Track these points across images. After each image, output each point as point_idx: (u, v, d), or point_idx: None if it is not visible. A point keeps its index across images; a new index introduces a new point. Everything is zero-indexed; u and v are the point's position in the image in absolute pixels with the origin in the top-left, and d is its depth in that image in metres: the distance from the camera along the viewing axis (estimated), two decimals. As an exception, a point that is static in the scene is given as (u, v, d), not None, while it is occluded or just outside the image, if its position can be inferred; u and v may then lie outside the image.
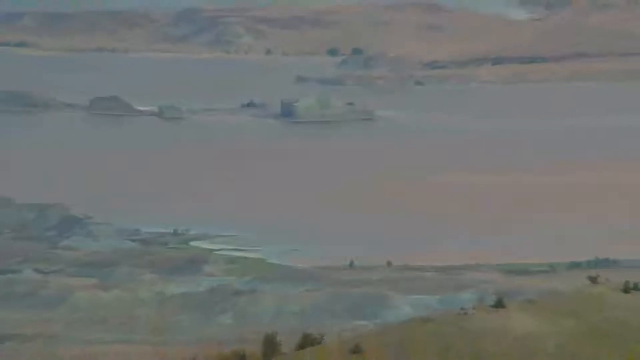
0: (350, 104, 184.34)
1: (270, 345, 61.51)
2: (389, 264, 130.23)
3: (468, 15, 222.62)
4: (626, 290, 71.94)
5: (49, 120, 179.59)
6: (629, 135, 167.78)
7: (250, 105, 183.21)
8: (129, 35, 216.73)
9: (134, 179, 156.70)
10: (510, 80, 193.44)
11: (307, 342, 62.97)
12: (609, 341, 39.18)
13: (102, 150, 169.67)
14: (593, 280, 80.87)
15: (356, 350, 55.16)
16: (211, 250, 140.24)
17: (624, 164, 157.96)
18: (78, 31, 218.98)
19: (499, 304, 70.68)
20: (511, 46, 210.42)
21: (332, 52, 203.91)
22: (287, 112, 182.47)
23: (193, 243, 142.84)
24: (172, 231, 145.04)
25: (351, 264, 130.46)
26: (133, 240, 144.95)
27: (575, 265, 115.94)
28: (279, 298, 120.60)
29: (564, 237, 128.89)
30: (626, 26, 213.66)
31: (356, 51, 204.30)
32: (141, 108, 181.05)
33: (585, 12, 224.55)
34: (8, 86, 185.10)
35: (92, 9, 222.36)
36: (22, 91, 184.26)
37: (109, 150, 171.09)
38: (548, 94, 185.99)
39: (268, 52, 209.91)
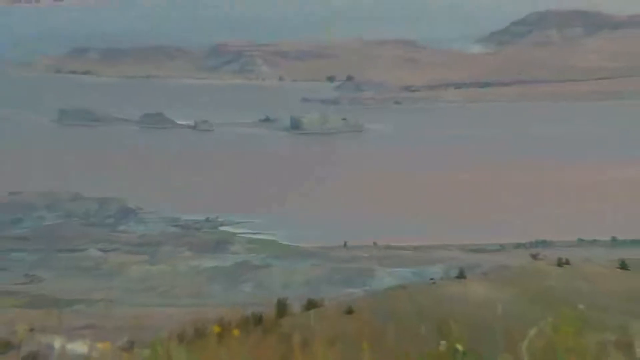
0: (345, 119, 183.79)
1: (281, 307, 61.31)
2: (374, 244, 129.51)
3: (437, 50, 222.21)
4: (559, 264, 71.79)
5: (108, 132, 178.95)
6: (561, 142, 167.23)
7: (266, 120, 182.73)
8: (171, 65, 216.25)
9: (175, 178, 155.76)
10: (469, 100, 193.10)
11: (311, 305, 62.80)
12: (545, 304, 38.97)
13: (150, 155, 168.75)
14: (534, 257, 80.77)
15: (349, 311, 54.98)
16: (235, 234, 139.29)
17: (557, 164, 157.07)
18: (131, 62, 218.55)
19: (461, 276, 70.56)
20: (470, 74, 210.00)
21: (330, 78, 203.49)
22: (295, 125, 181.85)
23: (221, 228, 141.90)
24: (204, 219, 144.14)
25: (345, 245, 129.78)
26: (174, 226, 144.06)
27: (520, 246, 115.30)
28: (288, 271, 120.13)
29: (512, 224, 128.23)
30: (560, 58, 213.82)
31: (349, 78, 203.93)
32: (181, 122, 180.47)
33: (527, 47, 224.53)
34: (76, 105, 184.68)
35: (141, 45, 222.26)
36: (87, 109, 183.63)
37: (156, 155, 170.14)
38: (498, 111, 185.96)
39: (280, 78, 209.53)
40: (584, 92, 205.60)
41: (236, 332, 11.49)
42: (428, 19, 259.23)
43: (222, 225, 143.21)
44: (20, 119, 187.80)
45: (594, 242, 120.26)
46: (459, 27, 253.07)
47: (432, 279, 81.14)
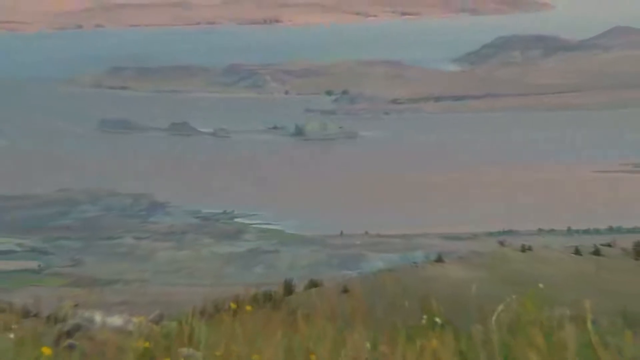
0: (341, 127, 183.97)
1: (288, 287, 61.31)
2: (366, 233, 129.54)
3: (419, 69, 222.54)
4: (523, 250, 71.93)
5: (141, 138, 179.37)
6: (523, 145, 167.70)
7: (274, 128, 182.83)
8: (193, 81, 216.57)
9: (197, 176, 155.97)
10: (446, 111, 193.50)
11: (312, 285, 62.81)
12: (511, 284, 39.06)
13: (176, 157, 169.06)
14: (501, 244, 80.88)
15: (344, 290, 54.88)
16: (248, 224, 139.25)
17: (521, 164, 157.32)
18: (160, 79, 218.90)
19: (439, 260, 70.62)
20: (447, 89, 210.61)
21: (329, 92, 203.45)
22: (298, 132, 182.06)
23: (236, 219, 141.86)
24: (222, 212, 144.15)
25: (341, 234, 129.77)
26: (196, 218, 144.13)
27: (490, 234, 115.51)
28: (293, 256, 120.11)
29: (483, 216, 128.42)
30: (522, 76, 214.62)
31: (344, 92, 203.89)
32: (202, 130, 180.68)
33: (495, 66, 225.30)
34: (114, 115, 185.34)
35: (169, 65, 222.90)
36: (123, 118, 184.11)
37: (181, 157, 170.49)
38: (470, 120, 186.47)
39: (286, 92, 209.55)
40: (541, 104, 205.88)
41: (249, 307, 11.46)
42: (411, 43, 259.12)
43: (237, 217, 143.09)
44: (67, 127, 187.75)
45: (551, 232, 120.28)
46: (437, 50, 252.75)
47: (415, 262, 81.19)
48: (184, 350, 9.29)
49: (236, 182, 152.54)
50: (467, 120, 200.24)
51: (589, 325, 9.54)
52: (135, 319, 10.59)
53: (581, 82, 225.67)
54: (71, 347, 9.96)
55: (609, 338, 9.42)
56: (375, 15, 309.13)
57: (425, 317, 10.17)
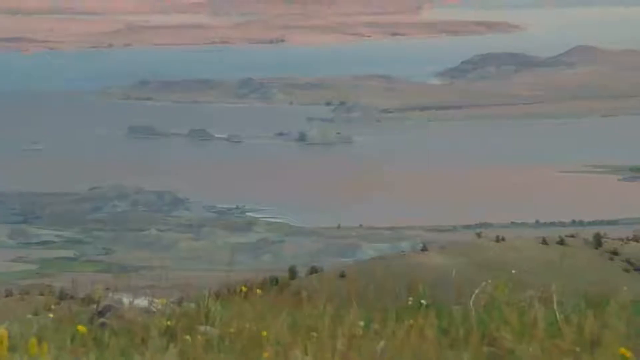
0: (338, 133, 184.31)
1: (292, 273, 61.45)
2: (360, 226, 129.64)
3: (406, 83, 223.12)
4: (497, 240, 72.03)
5: (164, 142, 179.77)
6: (498, 149, 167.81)
7: (280, 134, 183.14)
8: (209, 93, 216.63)
9: (213, 176, 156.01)
10: (430, 119, 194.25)
11: (313, 271, 62.94)
12: (487, 270, 39.07)
13: (195, 159, 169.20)
14: (478, 235, 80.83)
15: (342, 275, 54.98)
16: (257, 218, 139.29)
17: (496, 165, 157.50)
18: (181, 91, 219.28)
19: (424, 249, 70.76)
20: (430, 100, 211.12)
21: (328, 103, 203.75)
22: (301, 138, 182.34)
23: (247, 213, 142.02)
24: (235, 207, 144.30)
25: (339, 226, 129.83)
26: (212, 212, 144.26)
27: (468, 227, 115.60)
28: (297, 246, 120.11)
29: (462, 210, 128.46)
30: (496, 88, 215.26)
31: (341, 103, 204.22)
32: (218, 136, 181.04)
33: (473, 80, 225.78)
34: (141, 123, 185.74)
35: (189, 78, 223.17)
36: (149, 126, 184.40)
37: (199, 159, 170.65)
38: (451, 127, 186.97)
39: (291, 103, 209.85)
40: (513, 113, 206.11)
41: (258, 291, 11.45)
42: (400, 60, 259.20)
43: (247, 211, 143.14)
44: (99, 133, 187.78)
45: (522, 224, 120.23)
46: (422, 66, 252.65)
47: (402, 251, 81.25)
48: (202, 328, 9.29)
49: (247, 181, 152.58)
50: (448, 127, 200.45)
51: (555, 305, 9.54)
52: (158, 301, 10.58)
53: (548, 94, 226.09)
54: (103, 326, 9.96)
55: (572, 317, 9.42)
56: (369, 36, 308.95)
57: (411, 298, 10.17)
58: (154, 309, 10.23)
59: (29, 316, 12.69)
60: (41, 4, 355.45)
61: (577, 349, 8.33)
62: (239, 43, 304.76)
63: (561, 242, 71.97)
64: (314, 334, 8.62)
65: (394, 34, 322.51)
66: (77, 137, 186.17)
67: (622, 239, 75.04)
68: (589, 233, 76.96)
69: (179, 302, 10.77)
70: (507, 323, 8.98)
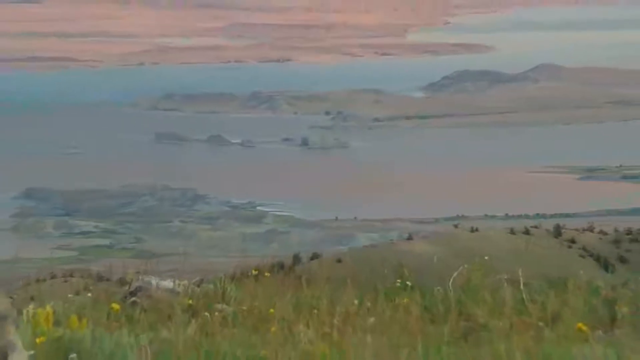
0: (336, 139, 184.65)
1: (296, 258, 61.30)
2: (355, 218, 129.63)
3: (394, 95, 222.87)
4: (472, 231, 71.99)
5: (187, 147, 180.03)
6: (473, 152, 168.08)
7: (286, 139, 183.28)
8: (226, 104, 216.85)
9: (228, 175, 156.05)
10: (415, 127, 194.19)
11: (314, 257, 62.82)
12: (463, 256, 39.09)
13: (213, 161, 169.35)
14: (455, 226, 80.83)
15: (338, 260, 54.98)
16: (267, 211, 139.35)
17: (472, 167, 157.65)
18: (201, 102, 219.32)
19: (409, 238, 70.60)
20: (415, 110, 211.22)
21: (327, 113, 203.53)
22: (304, 143, 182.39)
23: (258, 208, 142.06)
24: (247, 202, 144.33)
25: (336, 219, 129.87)
26: (228, 206, 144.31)
27: (447, 219, 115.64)
28: (300, 235, 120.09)
29: (442, 205, 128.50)
30: (472, 101, 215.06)
31: (339, 112, 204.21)
32: (233, 141, 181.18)
33: (452, 93, 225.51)
34: (166, 130, 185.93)
35: (208, 92, 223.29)
36: (173, 132, 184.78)
37: (217, 161, 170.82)
38: (433, 134, 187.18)
39: (295, 113, 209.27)
40: (487, 122, 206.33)
41: (267, 274, 11.44)
42: (389, 76, 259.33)
43: (258, 206, 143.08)
44: (130, 138, 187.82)
45: (493, 217, 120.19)
46: (408, 81, 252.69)
47: (391, 240, 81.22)
48: (219, 306, 9.29)
49: (258, 180, 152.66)
50: (431, 134, 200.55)
51: (522, 286, 9.54)
52: (181, 283, 10.58)
53: (516, 105, 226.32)
54: (134, 304, 9.95)
55: (536, 296, 9.42)
56: (362, 55, 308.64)
57: (399, 281, 10.18)
58: (177, 290, 10.23)
59: (71, 296, 12.70)
60: (82, 28, 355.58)
61: (541, 324, 8.34)
62: (251, 62, 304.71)
63: (526, 232, 71.95)
64: (315, 311, 8.62)
65: (384, 54, 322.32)
66: (112, 142, 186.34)
67: (578, 230, 75.06)
68: (550, 224, 76.99)
69: (199, 284, 10.78)
70: (481, 302, 8.98)
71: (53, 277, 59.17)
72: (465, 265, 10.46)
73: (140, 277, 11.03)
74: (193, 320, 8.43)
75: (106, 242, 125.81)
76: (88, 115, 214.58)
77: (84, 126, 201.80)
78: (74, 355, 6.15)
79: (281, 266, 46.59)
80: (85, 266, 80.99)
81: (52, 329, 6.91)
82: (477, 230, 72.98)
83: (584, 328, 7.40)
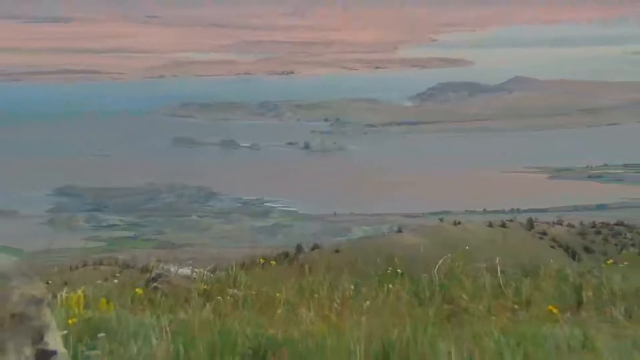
0: (334, 143, 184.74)
1: (299, 248, 61.23)
2: (351, 213, 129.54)
3: (387, 104, 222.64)
4: (455, 224, 71.95)
5: (202, 150, 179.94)
6: (454, 155, 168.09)
7: (290, 143, 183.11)
8: (236, 112, 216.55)
9: (239, 175, 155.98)
10: (405, 132, 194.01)
11: (315, 247, 62.82)
12: (447, 247, 39.03)
13: (225, 162, 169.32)
14: (440, 220, 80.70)
15: (336, 251, 55.04)
16: (273, 207, 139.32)
17: (454, 168, 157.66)
18: (215, 110, 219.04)
19: (399, 231, 70.59)
20: (405, 117, 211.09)
21: (327, 119, 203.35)
22: (306, 146, 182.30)
23: (265, 204, 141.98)
24: (256, 198, 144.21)
25: (334, 214, 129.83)
26: (238, 203, 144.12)
27: (433, 214, 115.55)
28: (303, 228, 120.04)
29: (429, 201, 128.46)
30: (454, 109, 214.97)
31: (337, 119, 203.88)
32: (242, 144, 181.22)
33: (437, 102, 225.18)
34: (183, 135, 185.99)
35: (220, 101, 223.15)
36: (189, 137, 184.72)
37: (228, 162, 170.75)
38: (421, 138, 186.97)
39: (298, 119, 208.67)
40: (467, 128, 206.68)
41: (273, 262, 11.44)
42: (382, 87, 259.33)
43: (265, 202, 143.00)
44: (151, 142, 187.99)
45: (474, 212, 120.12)
46: (399, 91, 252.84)
47: (383, 232, 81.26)
48: (230, 291, 9.28)
49: (265, 179, 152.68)
50: (419, 138, 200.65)
51: (499, 274, 9.55)
52: (197, 270, 10.57)
53: (494, 113, 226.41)
54: (155, 289, 9.95)
55: (511, 282, 9.42)
56: (357, 69, 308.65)
57: (390, 269, 10.18)
58: (194, 276, 10.23)
59: (99, 282, 12.72)
60: (108, 45, 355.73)
61: (516, 307, 8.34)
62: (259, 74, 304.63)
63: (503, 225, 72.05)
64: (316, 295, 8.62)
65: (377, 67, 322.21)
66: (135, 146, 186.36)
67: (549, 223, 75.15)
68: (523, 218, 77.07)
69: (213, 271, 10.78)
70: (462, 287, 8.98)
71: (84, 265, 59.23)
72: (449, 255, 10.46)
73: (161, 265, 11.03)
74: (207, 304, 8.43)
75: (131, 234, 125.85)
76: (114, 122, 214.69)
77: (111, 131, 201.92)
78: (102, 334, 6.15)
79: (286, 256, 46.65)
80: (113, 255, 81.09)
81: (82, 311, 6.92)
82: (459, 223, 73.05)
83: (554, 310, 7.41)
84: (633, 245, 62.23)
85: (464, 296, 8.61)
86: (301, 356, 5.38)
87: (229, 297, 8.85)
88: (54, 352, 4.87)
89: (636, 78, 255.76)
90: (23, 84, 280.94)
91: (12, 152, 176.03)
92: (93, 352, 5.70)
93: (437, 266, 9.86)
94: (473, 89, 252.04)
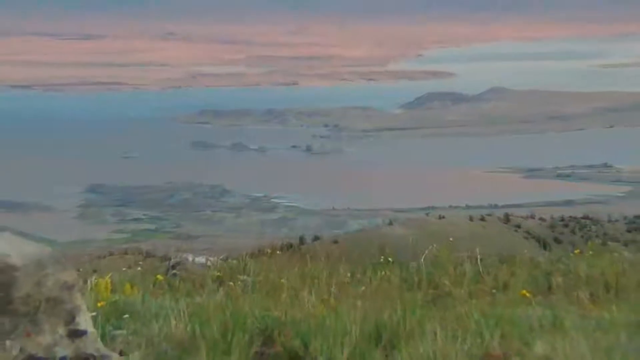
0: (333, 146, 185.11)
1: (301, 240, 61.13)
2: (348, 208, 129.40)
3: (379, 112, 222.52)
4: (440, 218, 71.85)
5: (215, 153, 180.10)
6: (439, 157, 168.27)
7: (294, 146, 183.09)
8: (246, 119, 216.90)
9: (248, 174, 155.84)
10: (395, 137, 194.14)
11: (316, 238, 62.74)
12: (433, 238, 38.98)
13: (236, 163, 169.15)
14: (426, 214, 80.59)
15: (335, 241, 54.95)
16: (279, 203, 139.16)
17: (439, 168, 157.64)
18: (227, 118, 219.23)
19: (390, 224, 70.41)
20: (396, 124, 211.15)
21: (326, 125, 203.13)
22: (308, 149, 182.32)
23: (272, 200, 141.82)
24: (263, 195, 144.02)
25: (333, 208, 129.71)
26: (248, 199, 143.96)
27: (420, 209, 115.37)
28: (305, 222, 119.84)
29: (416, 198, 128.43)
30: (438, 116, 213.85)
31: (336, 125, 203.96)
32: (251, 147, 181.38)
33: (423, 110, 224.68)
34: (200, 139, 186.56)
35: (232, 109, 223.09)
36: (205, 141, 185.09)
37: (239, 163, 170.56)
38: (409, 142, 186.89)
39: (301, 125, 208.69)
40: (449, 133, 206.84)
41: (278, 252, 11.43)
42: (374, 96, 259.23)
43: (272, 198, 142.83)
44: (171, 146, 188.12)
45: (457, 207, 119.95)
46: (390, 100, 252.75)
47: (376, 225, 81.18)
48: (241, 277, 9.28)
49: (271, 178, 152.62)
50: (407, 142, 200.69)
51: (478, 262, 9.54)
52: (211, 259, 10.56)
53: (473, 120, 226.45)
54: (174, 275, 9.94)
55: (490, 269, 9.42)
56: (352, 80, 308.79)
57: (382, 257, 10.17)
58: (208, 264, 10.22)
59: (125, 269, 12.71)
60: (134, 59, 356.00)
61: (494, 291, 8.33)
62: (266, 85, 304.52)
63: (482, 219, 71.97)
64: (316, 281, 8.61)
65: (370, 79, 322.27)
66: (157, 149, 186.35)
67: (523, 217, 75.06)
68: (500, 213, 77.01)
69: (225, 259, 10.78)
70: (446, 274, 8.97)
71: (111, 254, 59.11)
72: (434, 245, 10.46)
73: (179, 254, 11.03)
74: (220, 288, 8.42)
75: (153, 226, 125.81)
76: (138, 128, 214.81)
77: (135, 136, 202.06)
78: (127, 315, 6.15)
79: (290, 246, 46.54)
80: (136, 246, 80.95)
81: (110, 295, 6.92)
82: (443, 217, 73.01)
83: (527, 294, 7.41)
84: (597, 236, 62.32)
85: (448, 282, 8.61)
86: (303, 335, 5.37)
87: (239, 282, 8.84)
88: (84, 332, 4.88)
89: (600, 89, 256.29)
90: (58, 94, 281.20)
91: (48, 154, 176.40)
92: (119, 332, 5.70)
93: (423, 255, 9.86)
94: (455, 98, 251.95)
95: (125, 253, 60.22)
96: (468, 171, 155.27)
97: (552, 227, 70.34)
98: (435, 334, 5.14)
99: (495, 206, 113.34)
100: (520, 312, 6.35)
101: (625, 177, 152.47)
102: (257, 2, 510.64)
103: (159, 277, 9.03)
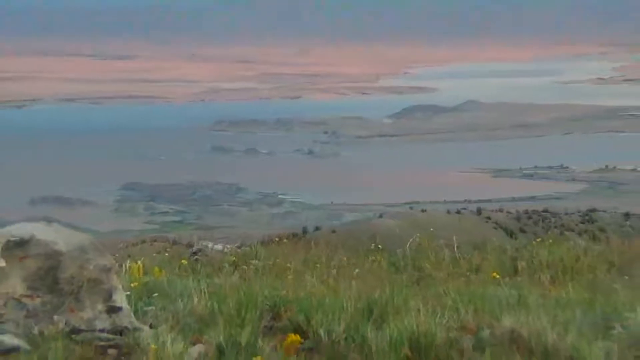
0: (332, 150, 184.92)
1: (305, 230, 61.09)
2: (344, 203, 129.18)
3: (370, 120, 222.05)
4: (423, 211, 71.80)
5: (229, 155, 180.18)
6: (425, 159, 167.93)
7: (298, 150, 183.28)
8: (258, 128, 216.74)
9: (259, 175, 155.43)
10: (385, 143, 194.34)
11: (317, 229, 62.73)
12: (417, 228, 38.89)
13: (248, 164, 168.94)
14: (411, 208, 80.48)
15: (333, 231, 54.91)
16: (285, 198, 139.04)
17: (426, 169, 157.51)
18: (242, 126, 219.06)
19: (380, 216, 70.42)
20: (385, 131, 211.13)
21: (325, 132, 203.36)
22: (310, 152, 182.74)
23: (279, 196, 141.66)
24: (272, 192, 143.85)
25: (332, 203, 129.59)
26: (259, 195, 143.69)
27: (406, 204, 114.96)
28: (308, 215, 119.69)
29: (404, 194, 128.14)
30: (422, 125, 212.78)
31: (333, 132, 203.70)
32: (262, 151, 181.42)
33: (409, 120, 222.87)
34: (217, 144, 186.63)
35: (247, 119, 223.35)
36: (221, 145, 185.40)
37: (250, 164, 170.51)
38: (399, 146, 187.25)
39: (304, 133, 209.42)
40: (432, 139, 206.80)
41: (285, 240, 11.42)
42: (367, 108, 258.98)
43: (279, 195, 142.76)
44: (194, 150, 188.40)
45: (436, 202, 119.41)
46: (379, 111, 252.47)
47: (369, 218, 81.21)
48: (253, 262, 9.28)
49: (279, 177, 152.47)
50: (395, 147, 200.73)
51: (455, 249, 9.54)
52: (228, 246, 10.55)
53: (452, 128, 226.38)
54: (196, 260, 9.94)
55: (465, 255, 9.42)
56: (348, 94, 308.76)
57: (373, 245, 10.18)
58: (225, 251, 10.22)
59: (154, 255, 12.71)
60: (162, 76, 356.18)
61: (468, 273, 8.33)
62: (275, 99, 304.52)
63: (458, 212, 71.85)
64: (317, 265, 8.61)
65: (363, 93, 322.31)
66: (182, 152, 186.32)
67: (493, 210, 75.01)
68: (474, 207, 76.93)
69: (240, 247, 10.79)
70: (428, 259, 8.97)
71: (143, 242, 59.02)
72: (418, 235, 10.45)
73: (200, 242, 11.02)
74: (235, 271, 8.43)
75: (178, 218, 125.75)
76: (166, 135, 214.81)
77: (164, 142, 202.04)
78: (156, 294, 6.16)
79: (294, 235, 46.56)
80: (164, 235, 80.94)
81: (142, 277, 6.93)
82: (425, 211, 72.98)
83: (497, 276, 7.42)
84: (556, 227, 62.37)
85: (429, 265, 8.61)
86: (306, 311, 5.39)
87: (251, 266, 8.85)
88: (120, 308, 4.91)
89: (558, 101, 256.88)
90: (99, 107, 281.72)
91: (90, 156, 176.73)
92: (149, 308, 5.72)
93: (408, 243, 9.86)
94: (436, 110, 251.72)
95: (155, 241, 60.18)
96: (446, 172, 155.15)
97: (517, 219, 70.38)
98: (419, 309, 5.15)
99: (469, 201, 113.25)
100: (490, 291, 6.36)
101: (580, 176, 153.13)
102: (266, 28, 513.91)
103: (184, 261, 9.04)
